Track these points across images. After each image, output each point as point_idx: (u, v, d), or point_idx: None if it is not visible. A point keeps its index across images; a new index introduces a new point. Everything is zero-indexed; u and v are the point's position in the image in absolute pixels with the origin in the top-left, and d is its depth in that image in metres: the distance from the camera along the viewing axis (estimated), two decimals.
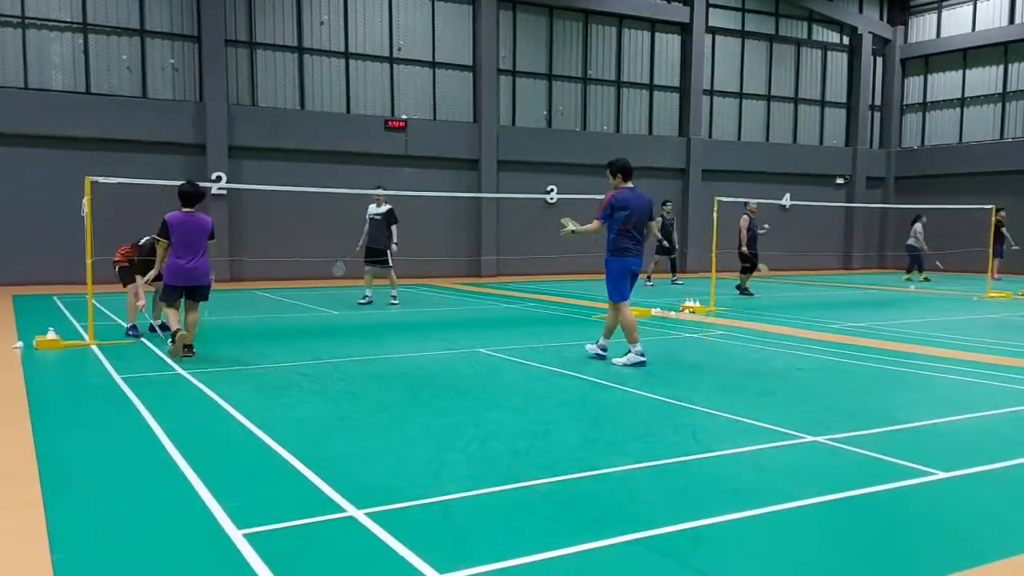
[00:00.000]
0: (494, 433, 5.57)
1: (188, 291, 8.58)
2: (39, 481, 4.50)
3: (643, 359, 8.23)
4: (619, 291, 8.43)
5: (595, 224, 8.48)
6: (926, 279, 22.05)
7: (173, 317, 8.61)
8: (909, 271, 22.69)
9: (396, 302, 14.23)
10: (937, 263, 22.73)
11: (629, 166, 8.51)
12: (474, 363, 8.48)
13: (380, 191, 14.12)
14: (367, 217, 14.04)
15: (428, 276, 21.96)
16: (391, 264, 14.01)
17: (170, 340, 8.59)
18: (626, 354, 8.34)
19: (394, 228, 13.97)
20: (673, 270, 20.46)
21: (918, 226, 22.33)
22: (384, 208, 13.91)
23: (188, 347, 8.61)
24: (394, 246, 13.98)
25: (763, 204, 20.25)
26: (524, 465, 4.83)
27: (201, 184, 9.30)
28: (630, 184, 8.48)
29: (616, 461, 4.91)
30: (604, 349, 8.69)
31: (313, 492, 4.34)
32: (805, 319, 12.65)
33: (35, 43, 18.58)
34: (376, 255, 13.84)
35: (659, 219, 19.27)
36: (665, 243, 19.36)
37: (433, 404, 6.50)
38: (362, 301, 14.15)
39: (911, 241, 22.34)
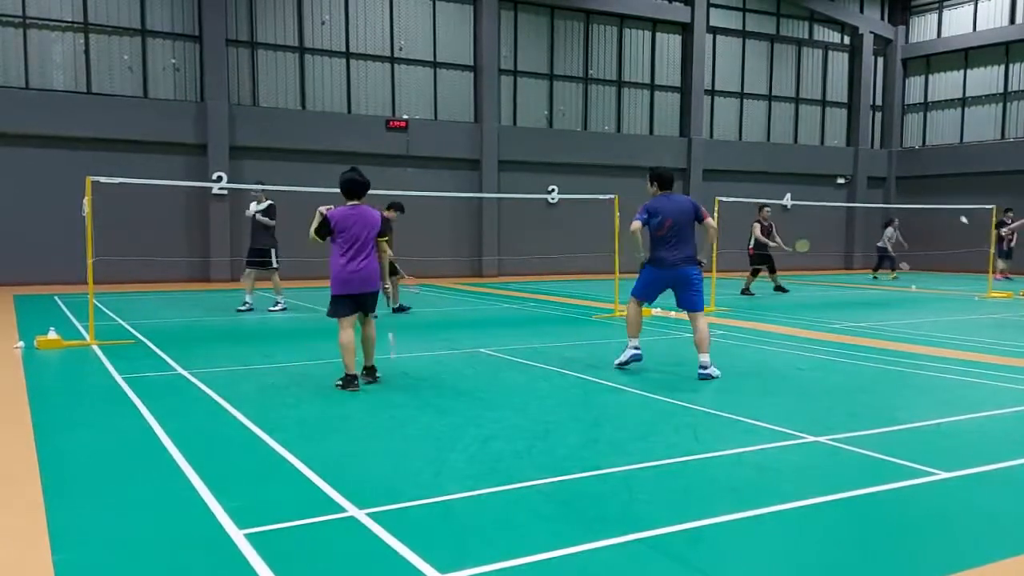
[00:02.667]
0: (495, 433, 5.56)
1: (359, 300, 7.15)
2: (40, 481, 4.50)
3: (638, 352, 8.10)
4: (640, 288, 8.14)
5: (634, 225, 7.89)
6: (875, 277, 22.64)
7: (348, 348, 7.07)
8: (876, 269, 23.19)
9: (279, 308, 13.10)
10: (903, 265, 22.92)
11: (663, 174, 8.06)
12: (475, 363, 8.47)
13: (259, 187, 13.11)
14: (252, 216, 13.05)
15: (429, 276, 21.97)
16: (276, 266, 13.14)
17: (342, 381, 7.07)
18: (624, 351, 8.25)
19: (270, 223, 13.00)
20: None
21: (889, 230, 22.64)
22: (264, 205, 12.96)
23: (369, 370, 7.31)
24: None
25: (764, 204, 20.31)
26: (525, 465, 4.82)
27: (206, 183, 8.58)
28: (666, 192, 8.04)
29: (617, 461, 4.91)
30: (637, 347, 8.21)
31: (314, 492, 4.34)
32: (805, 319, 12.64)
33: (36, 43, 18.60)
34: (258, 255, 12.95)
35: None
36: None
37: (434, 404, 6.49)
38: (242, 308, 13.00)
39: (880, 243, 22.87)
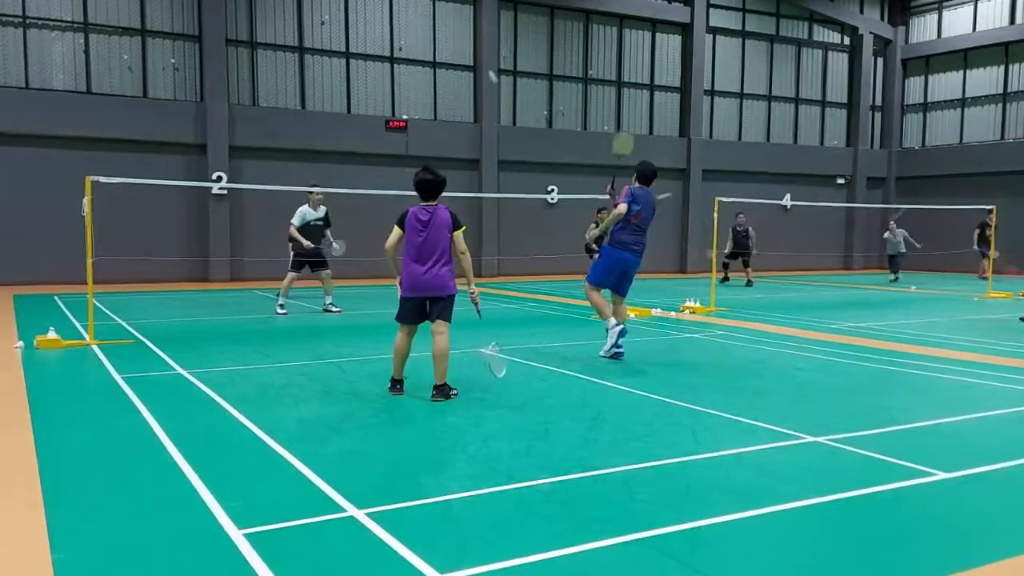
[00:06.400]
0: (494, 433, 5.57)
1: (424, 305, 6.72)
2: (39, 481, 4.50)
3: (621, 325, 8.58)
4: (596, 275, 8.77)
5: (621, 207, 8.47)
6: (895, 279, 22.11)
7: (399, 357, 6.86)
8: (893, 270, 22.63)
9: (283, 312, 12.76)
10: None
11: (647, 171, 8.80)
12: (475, 363, 8.47)
13: (318, 189, 12.97)
14: (307, 222, 12.68)
15: None
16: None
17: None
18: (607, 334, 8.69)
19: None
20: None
21: (897, 229, 22.46)
22: (323, 211, 12.91)
23: (437, 388, 6.67)
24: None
25: (764, 204, 20.55)
26: (524, 465, 4.83)
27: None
28: (643, 186, 8.79)
29: (616, 461, 4.91)
30: (621, 335, 8.62)
31: (313, 492, 4.34)
32: (805, 319, 12.65)
33: (36, 43, 18.59)
34: (317, 256, 12.83)
35: (592, 225, 19.36)
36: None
37: (434, 404, 6.49)
38: (335, 309, 13.26)
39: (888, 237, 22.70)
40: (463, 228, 6.74)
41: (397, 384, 6.89)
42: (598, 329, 11.46)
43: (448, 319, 6.69)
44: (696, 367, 8.46)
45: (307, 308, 13.75)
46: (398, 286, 6.77)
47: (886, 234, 22.71)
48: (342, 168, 21.06)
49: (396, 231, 6.69)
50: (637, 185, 8.76)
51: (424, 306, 6.68)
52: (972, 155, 27.79)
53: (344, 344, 9.82)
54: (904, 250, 22.35)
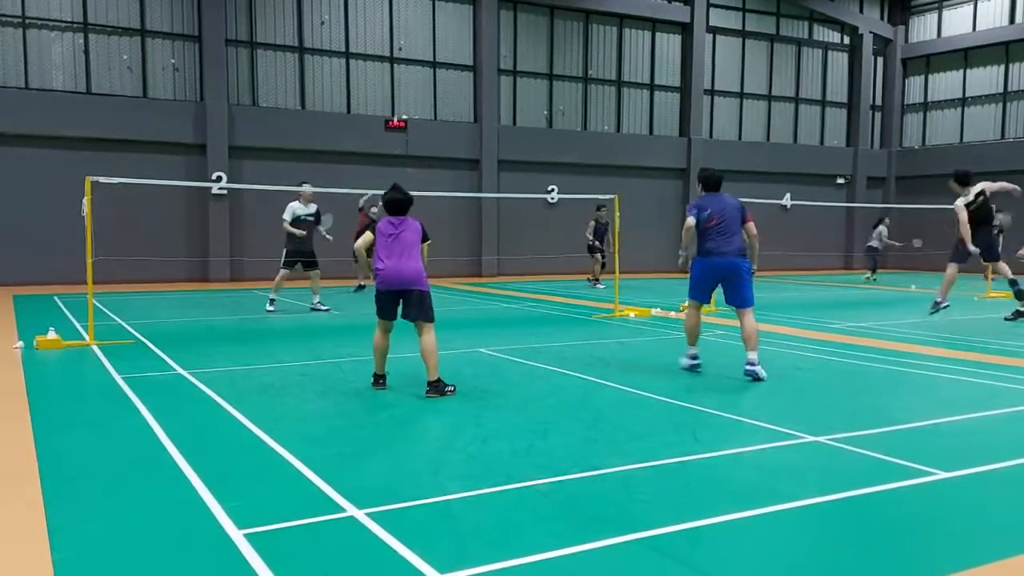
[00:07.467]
0: (494, 433, 5.57)
1: (396, 300, 6.91)
2: (39, 481, 4.51)
3: (695, 362, 8.00)
4: (693, 290, 8.08)
5: (689, 220, 7.92)
6: (874, 279, 22.17)
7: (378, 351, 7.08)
8: (873, 271, 22.69)
9: (272, 309, 12.93)
10: (915, 241, 22.20)
11: (709, 177, 8.11)
12: (475, 363, 8.48)
13: (308, 187, 13.07)
14: (297, 217, 12.82)
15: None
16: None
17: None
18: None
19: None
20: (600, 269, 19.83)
21: (882, 228, 22.49)
22: (314, 208, 13.08)
23: (431, 384, 6.75)
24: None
25: (764, 204, 20.53)
26: (524, 465, 4.83)
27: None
28: (711, 193, 8.08)
29: (616, 461, 4.91)
30: (694, 357, 8.11)
31: (313, 492, 4.34)
32: (805, 319, 12.64)
33: (36, 43, 18.60)
34: (309, 256, 13.01)
35: (591, 223, 19.07)
36: (597, 243, 19.11)
37: (433, 404, 6.50)
38: (324, 308, 13.25)
39: (873, 242, 22.64)
40: (429, 242, 7.18)
41: (380, 379, 7.07)
42: (598, 329, 11.47)
43: (427, 319, 6.79)
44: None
45: (304, 308, 13.75)
46: (374, 284, 7.02)
47: (881, 230, 22.65)
48: (341, 168, 21.06)
49: (368, 235, 7.10)
50: (703, 194, 8.10)
51: (397, 302, 6.86)
52: (972, 155, 27.73)
53: (343, 344, 9.82)
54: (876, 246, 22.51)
